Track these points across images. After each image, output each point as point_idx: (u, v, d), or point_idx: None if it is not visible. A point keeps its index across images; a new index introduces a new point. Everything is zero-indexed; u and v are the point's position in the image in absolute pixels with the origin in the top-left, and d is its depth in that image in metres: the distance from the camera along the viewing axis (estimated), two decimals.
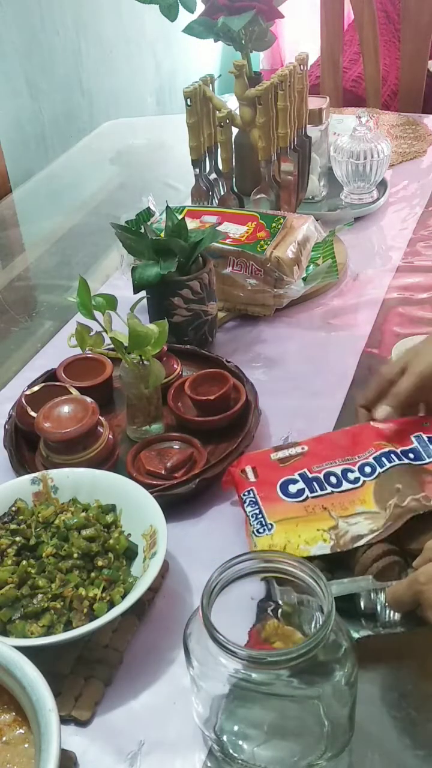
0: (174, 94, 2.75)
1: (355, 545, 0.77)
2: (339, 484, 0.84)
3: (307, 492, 0.83)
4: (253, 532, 0.81)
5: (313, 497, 0.83)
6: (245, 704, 0.65)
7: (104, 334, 0.96)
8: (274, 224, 1.20)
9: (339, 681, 0.61)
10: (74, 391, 0.99)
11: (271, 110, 1.25)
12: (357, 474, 0.84)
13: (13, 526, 0.81)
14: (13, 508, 0.83)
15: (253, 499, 0.84)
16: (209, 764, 0.67)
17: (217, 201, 1.36)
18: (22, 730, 0.62)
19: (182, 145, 1.32)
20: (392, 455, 0.85)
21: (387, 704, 0.70)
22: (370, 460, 0.85)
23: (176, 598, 0.81)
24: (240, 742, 0.65)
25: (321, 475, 0.85)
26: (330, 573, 0.77)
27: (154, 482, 0.89)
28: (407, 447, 0.87)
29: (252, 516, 0.83)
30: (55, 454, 0.92)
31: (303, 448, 0.88)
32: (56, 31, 2.12)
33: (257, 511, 0.83)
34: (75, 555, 0.78)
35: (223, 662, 0.60)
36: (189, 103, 1.25)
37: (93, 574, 0.77)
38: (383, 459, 0.85)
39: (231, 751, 0.65)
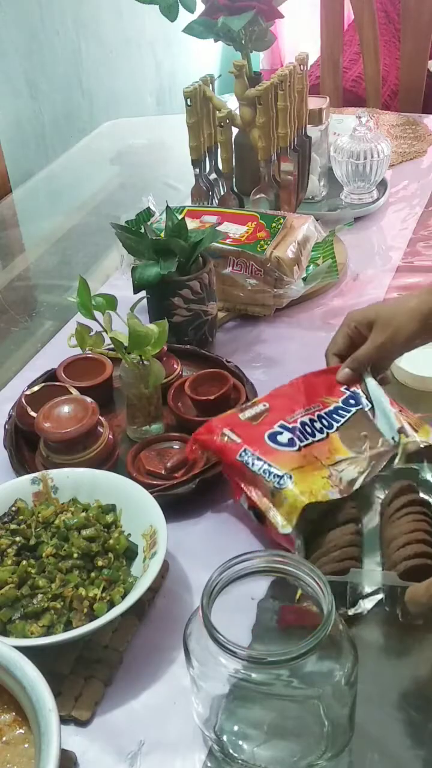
0: (174, 94, 2.75)
1: (354, 488, 0.81)
2: (313, 434, 0.86)
3: (297, 441, 0.85)
4: (274, 488, 0.80)
5: (303, 446, 0.85)
6: (245, 704, 0.65)
7: (104, 334, 0.96)
8: (274, 224, 1.20)
9: (339, 681, 0.61)
10: (74, 391, 0.99)
11: (271, 110, 1.25)
12: (320, 424, 0.88)
13: (13, 526, 0.81)
14: (13, 508, 0.83)
15: (255, 456, 0.84)
16: (209, 764, 0.67)
17: (217, 201, 1.36)
18: (22, 730, 0.62)
19: (182, 145, 1.32)
20: (340, 410, 0.89)
21: (387, 704, 0.70)
22: (323, 413, 0.89)
23: (176, 598, 0.81)
24: (240, 742, 0.65)
25: (298, 425, 0.86)
26: (359, 561, 0.77)
27: (154, 482, 0.89)
28: (344, 396, 0.91)
29: (264, 473, 0.82)
30: (55, 454, 0.92)
31: (265, 405, 0.90)
32: (56, 31, 2.12)
33: (267, 466, 0.82)
34: (75, 555, 0.78)
35: (223, 662, 0.60)
36: (189, 103, 1.25)
37: (93, 574, 0.77)
38: (334, 415, 0.89)
39: (231, 751, 0.65)
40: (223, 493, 0.92)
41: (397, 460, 0.84)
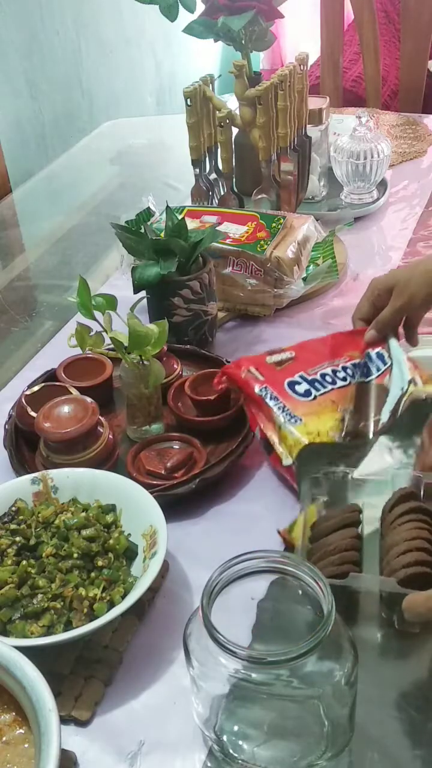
0: (174, 94, 2.75)
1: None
2: (334, 382, 0.95)
3: (313, 391, 0.93)
4: (282, 423, 0.90)
5: (320, 395, 0.93)
6: (245, 704, 0.65)
7: (104, 334, 0.96)
8: (274, 224, 1.20)
9: (339, 681, 0.61)
10: (74, 391, 0.99)
11: (271, 110, 1.25)
12: (344, 374, 0.96)
13: (13, 526, 0.81)
14: (13, 508, 0.83)
15: (273, 395, 0.92)
16: (209, 764, 0.67)
17: (217, 201, 1.36)
18: (22, 730, 0.62)
19: (182, 145, 1.32)
20: (368, 365, 0.97)
21: (387, 704, 0.70)
22: (348, 365, 0.97)
23: (176, 598, 0.81)
24: (240, 742, 0.65)
25: (318, 376, 0.95)
26: (358, 566, 0.77)
27: (154, 482, 0.89)
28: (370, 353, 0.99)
29: (278, 408, 0.91)
30: (55, 454, 0.92)
31: (291, 354, 0.98)
32: (56, 31, 2.11)
33: (281, 405, 0.91)
34: (75, 555, 0.78)
35: (223, 662, 0.60)
36: (189, 103, 1.25)
37: (93, 574, 0.77)
38: (358, 369, 0.96)
39: (231, 751, 0.65)
40: (223, 493, 0.92)
41: (402, 405, 0.90)
